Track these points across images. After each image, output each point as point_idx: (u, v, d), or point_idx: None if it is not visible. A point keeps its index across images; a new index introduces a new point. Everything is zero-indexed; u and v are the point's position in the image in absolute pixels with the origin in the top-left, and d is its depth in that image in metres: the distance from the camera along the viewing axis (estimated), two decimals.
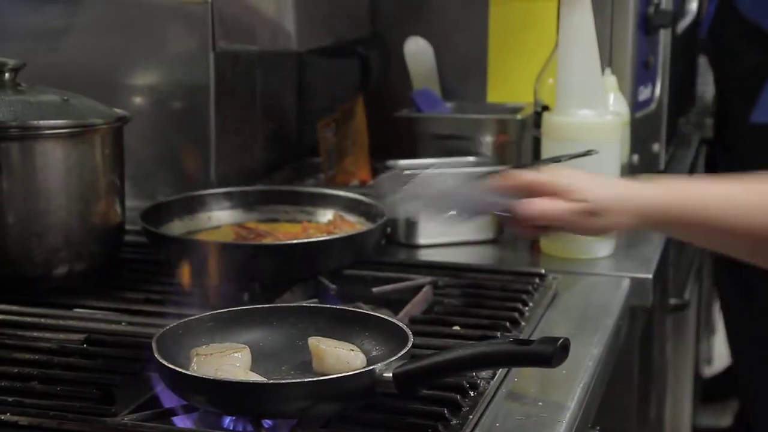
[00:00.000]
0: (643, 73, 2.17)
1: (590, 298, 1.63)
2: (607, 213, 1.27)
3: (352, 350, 1.18)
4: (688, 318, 2.68)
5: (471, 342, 1.26)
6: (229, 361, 1.14)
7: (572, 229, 1.28)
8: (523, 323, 1.44)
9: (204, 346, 1.18)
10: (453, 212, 1.26)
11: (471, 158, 1.72)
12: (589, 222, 1.27)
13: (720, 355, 3.87)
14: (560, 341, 1.06)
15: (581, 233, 1.31)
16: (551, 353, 1.06)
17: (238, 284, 1.48)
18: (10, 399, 1.16)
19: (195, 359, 1.14)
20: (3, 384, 1.19)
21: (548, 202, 1.26)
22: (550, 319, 1.51)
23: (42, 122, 1.48)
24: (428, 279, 1.58)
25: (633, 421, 1.86)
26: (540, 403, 1.23)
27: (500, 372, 1.26)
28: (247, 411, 1.10)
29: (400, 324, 1.21)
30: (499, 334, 1.37)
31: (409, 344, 1.14)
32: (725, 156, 2.93)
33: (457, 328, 1.41)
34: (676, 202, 1.26)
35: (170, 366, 1.10)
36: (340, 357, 1.16)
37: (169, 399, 1.14)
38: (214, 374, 1.10)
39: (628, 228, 1.27)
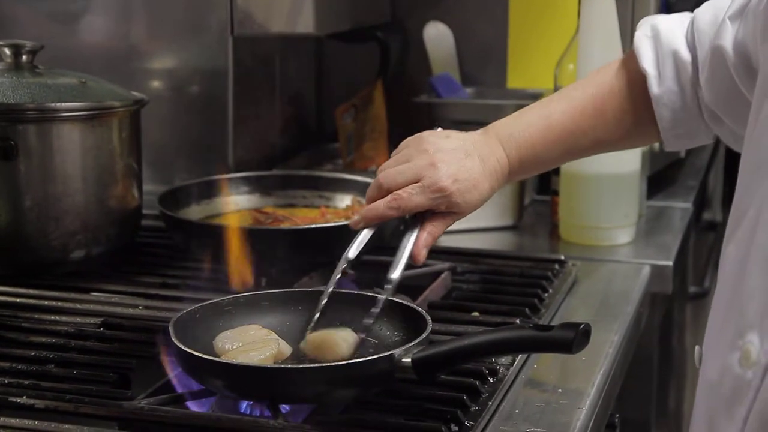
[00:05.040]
0: None
1: (610, 285, 1.62)
2: (476, 209, 1.32)
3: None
4: (707, 306, 2.66)
5: (490, 328, 1.24)
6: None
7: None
8: (542, 309, 1.43)
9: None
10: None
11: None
12: (462, 219, 1.32)
13: None
14: (581, 327, 1.05)
15: None
16: (572, 339, 1.04)
17: (255, 269, 1.47)
18: (26, 382, 1.15)
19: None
20: (20, 367, 1.19)
21: (429, 232, 1.28)
22: (570, 306, 1.51)
23: (59, 104, 1.47)
24: (447, 265, 1.57)
25: (652, 411, 1.85)
26: (559, 390, 1.22)
27: (520, 358, 1.25)
28: (264, 396, 1.09)
29: (419, 309, 1.20)
30: (518, 320, 1.36)
31: (428, 329, 1.13)
32: None
33: (476, 314, 1.40)
34: (518, 164, 1.34)
35: (188, 350, 1.09)
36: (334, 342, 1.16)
37: (185, 383, 1.14)
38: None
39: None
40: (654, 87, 1.29)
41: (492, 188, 1.32)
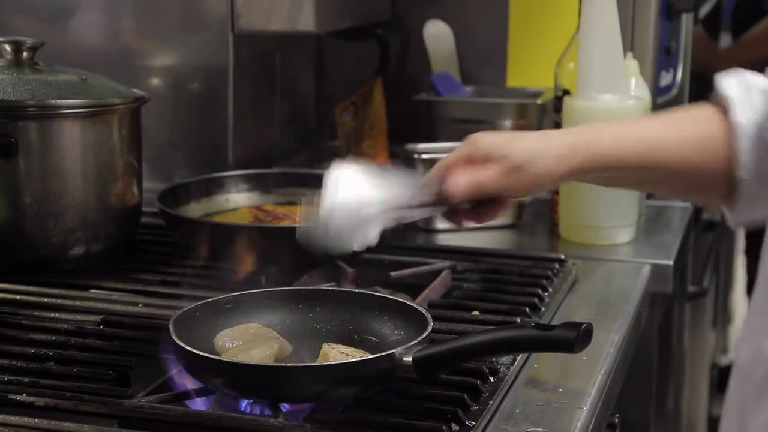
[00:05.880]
0: (665, 58, 2.15)
1: (610, 284, 1.61)
2: (529, 165, 1.20)
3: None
4: (706, 306, 2.67)
5: (491, 327, 1.24)
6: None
7: (504, 190, 1.22)
8: (542, 308, 1.43)
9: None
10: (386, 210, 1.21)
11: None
12: (515, 179, 1.21)
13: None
14: (583, 326, 1.05)
15: (514, 194, 1.25)
16: (574, 338, 1.04)
17: (255, 267, 1.47)
18: (26, 379, 1.15)
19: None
20: (19, 364, 1.19)
21: (471, 171, 1.20)
22: (570, 305, 1.50)
23: (60, 101, 1.47)
24: (447, 263, 1.57)
25: (651, 411, 1.85)
26: (560, 390, 1.21)
27: (520, 358, 1.25)
28: (264, 394, 1.09)
29: (420, 308, 1.19)
30: (518, 319, 1.36)
31: (429, 328, 1.12)
32: None
33: (476, 312, 1.39)
34: (594, 144, 1.22)
35: (188, 348, 1.09)
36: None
37: (185, 381, 1.13)
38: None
39: (552, 179, 1.22)
40: (738, 115, 1.16)
41: (546, 146, 1.20)
